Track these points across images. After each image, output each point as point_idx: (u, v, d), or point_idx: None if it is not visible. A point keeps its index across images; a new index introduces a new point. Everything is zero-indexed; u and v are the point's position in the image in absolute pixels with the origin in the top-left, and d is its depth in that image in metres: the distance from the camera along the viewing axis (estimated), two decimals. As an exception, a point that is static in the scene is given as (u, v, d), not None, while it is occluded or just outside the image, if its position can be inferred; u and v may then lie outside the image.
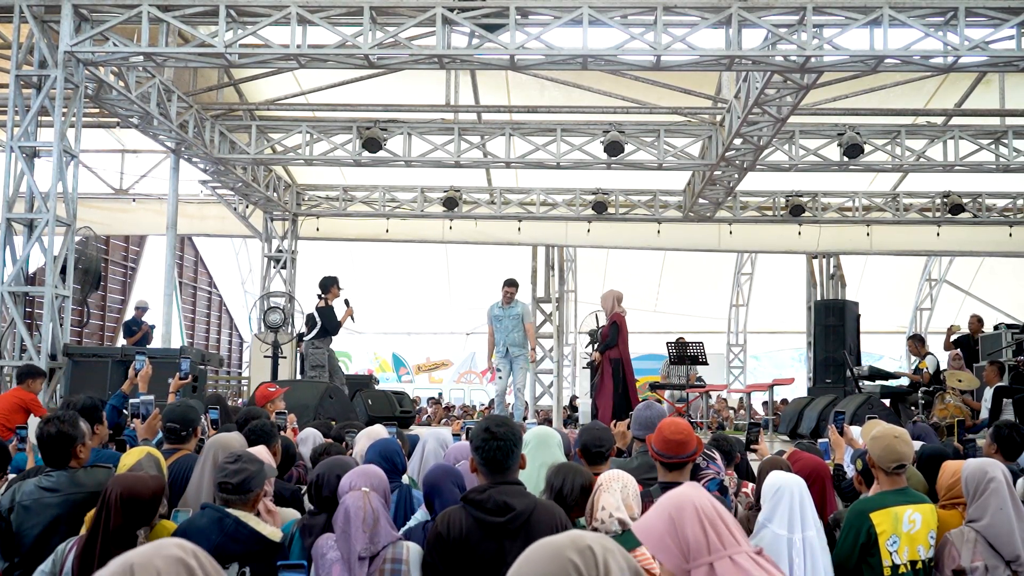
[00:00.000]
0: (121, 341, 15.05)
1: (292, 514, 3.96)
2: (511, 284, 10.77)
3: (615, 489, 3.20)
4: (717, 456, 4.31)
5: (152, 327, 13.07)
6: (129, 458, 3.78)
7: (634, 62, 8.86)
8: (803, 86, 9.00)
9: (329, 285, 11.41)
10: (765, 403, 13.76)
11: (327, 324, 11.26)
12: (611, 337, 10.01)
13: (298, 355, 13.61)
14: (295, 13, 8.25)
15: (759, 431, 5.24)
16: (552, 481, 3.50)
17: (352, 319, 11.74)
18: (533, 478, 3.83)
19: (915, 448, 4.34)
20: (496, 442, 3.12)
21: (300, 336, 13.52)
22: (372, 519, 3.26)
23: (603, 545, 1.46)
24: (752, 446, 5.18)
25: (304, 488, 4.58)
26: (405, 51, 8.53)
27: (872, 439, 3.85)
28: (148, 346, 12.41)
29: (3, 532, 3.68)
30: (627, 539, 3.05)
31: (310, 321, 11.49)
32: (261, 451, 3.94)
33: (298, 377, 12.75)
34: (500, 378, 10.98)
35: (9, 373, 8.39)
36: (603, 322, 10.49)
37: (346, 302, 11.59)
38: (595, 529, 3.13)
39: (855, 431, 5.12)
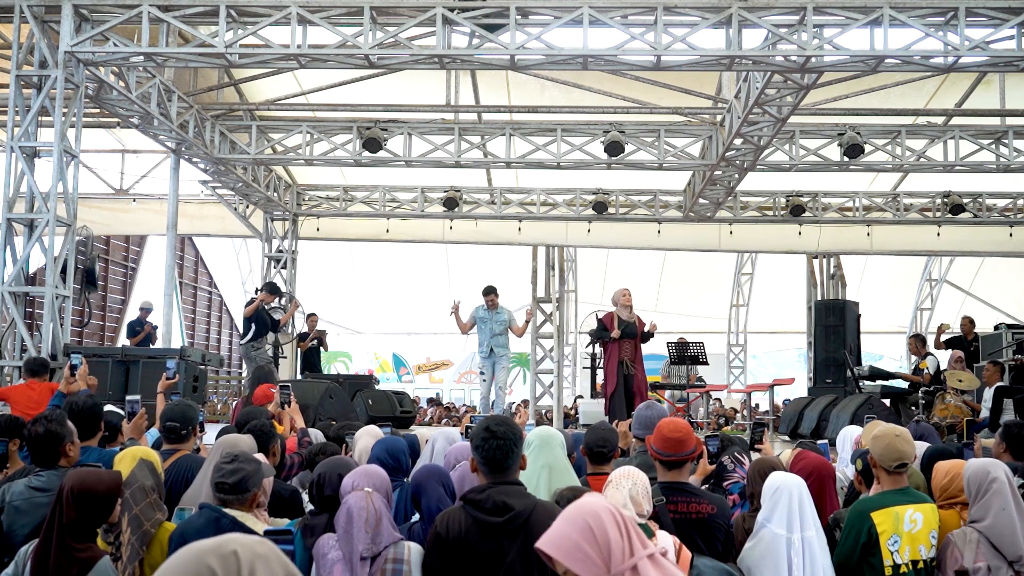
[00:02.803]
0: (123, 341, 15.05)
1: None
2: (493, 292, 10.73)
3: (623, 487, 3.20)
4: (746, 462, 4.30)
5: (156, 327, 13.06)
6: (122, 464, 3.74)
7: (634, 62, 8.85)
8: (803, 86, 9.00)
9: (263, 288, 11.60)
10: (766, 410, 13.72)
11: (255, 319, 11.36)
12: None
13: (298, 355, 13.62)
14: (295, 13, 8.24)
15: (763, 431, 5.23)
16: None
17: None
18: (534, 479, 3.83)
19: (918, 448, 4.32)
20: (496, 441, 3.10)
21: (302, 336, 13.54)
22: (375, 519, 3.26)
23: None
24: (756, 446, 5.17)
25: (304, 483, 4.56)
26: (405, 51, 8.52)
27: (873, 438, 3.83)
28: (150, 346, 12.40)
29: None
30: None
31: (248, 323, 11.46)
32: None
33: (298, 377, 12.75)
34: (484, 381, 10.94)
35: (10, 373, 8.38)
36: (626, 315, 10.39)
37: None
38: None
39: None
